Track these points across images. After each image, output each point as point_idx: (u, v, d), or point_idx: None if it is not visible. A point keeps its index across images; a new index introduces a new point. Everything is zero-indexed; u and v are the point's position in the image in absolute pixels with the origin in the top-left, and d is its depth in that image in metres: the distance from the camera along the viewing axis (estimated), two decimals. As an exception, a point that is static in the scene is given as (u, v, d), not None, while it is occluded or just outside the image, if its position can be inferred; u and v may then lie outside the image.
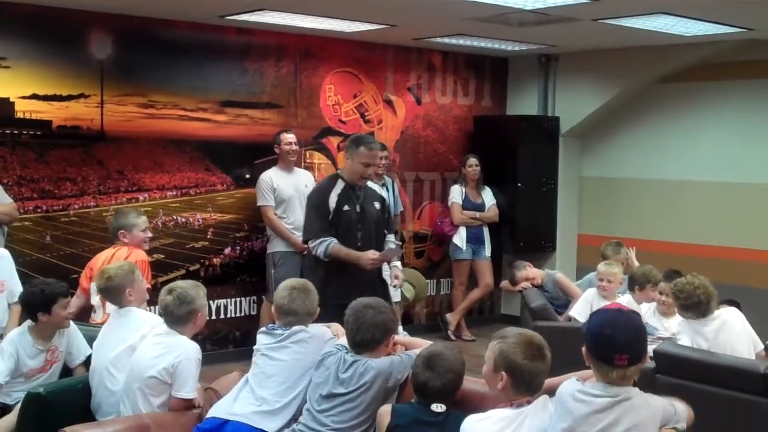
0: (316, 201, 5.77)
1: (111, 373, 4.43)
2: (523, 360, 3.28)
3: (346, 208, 5.68)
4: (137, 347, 4.38)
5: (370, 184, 5.93)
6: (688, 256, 8.42)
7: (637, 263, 7.10)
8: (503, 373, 3.30)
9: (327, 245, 5.59)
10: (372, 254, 5.60)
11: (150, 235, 6.13)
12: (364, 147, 5.70)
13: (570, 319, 6.66)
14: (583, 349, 3.23)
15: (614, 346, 3.14)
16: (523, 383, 3.30)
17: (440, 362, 3.67)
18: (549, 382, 3.41)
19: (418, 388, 3.67)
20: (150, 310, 5.11)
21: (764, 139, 8.36)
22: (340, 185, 5.73)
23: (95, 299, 5.58)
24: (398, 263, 6.04)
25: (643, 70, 8.93)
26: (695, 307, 5.16)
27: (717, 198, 8.67)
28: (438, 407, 3.60)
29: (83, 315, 5.59)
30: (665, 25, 7.35)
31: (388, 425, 3.62)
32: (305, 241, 5.86)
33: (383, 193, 6.05)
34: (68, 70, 7.05)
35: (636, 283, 6.19)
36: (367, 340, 3.95)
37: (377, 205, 5.87)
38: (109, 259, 5.62)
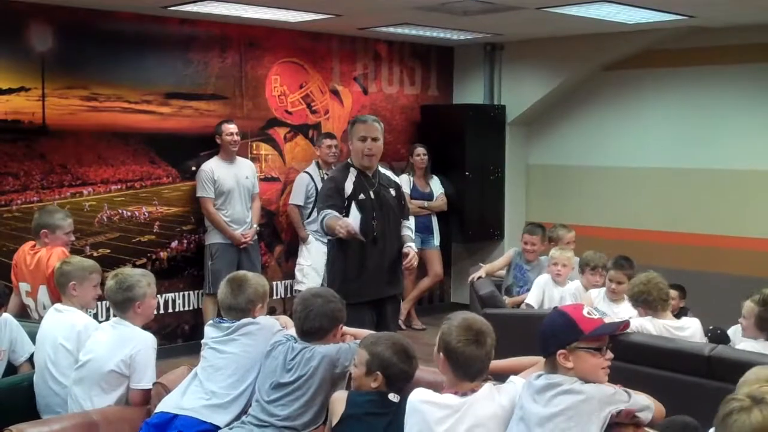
0: (330, 186, 5.53)
1: (52, 373, 4.39)
2: (456, 344, 3.30)
3: (361, 197, 5.43)
4: (74, 350, 4.34)
5: (383, 170, 5.73)
6: (634, 242, 8.54)
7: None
8: (441, 354, 3.34)
9: (324, 216, 5.34)
10: (345, 222, 5.25)
11: (73, 238, 5.86)
12: (359, 123, 5.60)
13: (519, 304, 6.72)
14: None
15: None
16: (459, 368, 3.31)
17: (410, 350, 3.71)
18: (494, 365, 3.44)
19: (398, 377, 3.64)
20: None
21: (705, 125, 8.49)
22: (353, 174, 5.51)
23: (26, 299, 5.49)
24: (412, 244, 5.72)
25: (587, 58, 9.01)
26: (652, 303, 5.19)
27: (661, 184, 8.79)
28: (394, 397, 3.61)
29: (26, 312, 5.48)
30: (608, 13, 7.42)
31: (342, 414, 3.60)
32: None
33: (396, 179, 5.85)
34: (8, 63, 6.93)
35: (588, 266, 6.24)
36: (315, 328, 3.94)
37: (392, 191, 5.67)
38: (31, 262, 5.48)
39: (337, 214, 5.31)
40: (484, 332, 3.35)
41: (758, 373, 3.06)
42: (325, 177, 5.98)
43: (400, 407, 3.55)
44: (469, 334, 3.33)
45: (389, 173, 5.81)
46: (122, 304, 4.27)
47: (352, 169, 5.53)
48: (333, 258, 5.55)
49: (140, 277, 4.36)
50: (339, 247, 5.46)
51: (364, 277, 5.40)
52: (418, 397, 3.37)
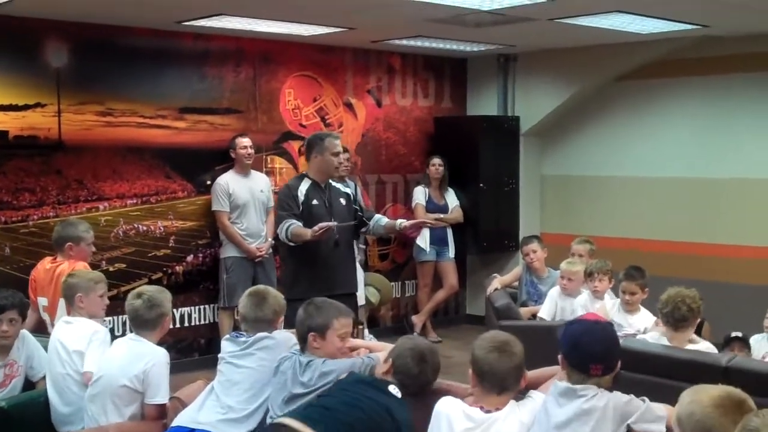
0: (285, 194, 5.91)
1: (68, 385, 4.40)
2: (479, 352, 3.38)
3: (315, 202, 5.82)
4: (85, 353, 4.37)
5: (333, 183, 6.07)
6: (649, 252, 8.50)
7: None
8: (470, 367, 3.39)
9: (288, 226, 5.66)
10: (317, 226, 5.61)
11: (94, 249, 5.96)
12: (330, 138, 5.92)
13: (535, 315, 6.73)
14: (560, 356, 3.30)
15: (590, 356, 3.22)
16: (483, 377, 3.35)
17: (428, 356, 3.78)
18: (530, 375, 3.47)
19: (403, 372, 3.73)
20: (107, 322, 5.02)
21: (720, 134, 8.45)
22: (306, 183, 5.88)
23: (43, 314, 5.51)
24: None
25: (601, 68, 9.00)
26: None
27: (676, 194, 8.75)
28: (395, 390, 3.64)
29: (43, 327, 5.49)
30: (621, 24, 7.41)
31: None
32: (276, 234, 5.96)
33: (347, 189, 6.16)
34: (24, 79, 6.98)
35: (585, 274, 6.26)
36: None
37: (342, 201, 6.00)
38: (52, 275, 5.49)
39: (299, 223, 5.67)
40: (509, 343, 3.39)
41: (695, 395, 2.86)
42: (339, 184, 6.21)
43: (401, 404, 3.57)
44: (493, 343, 3.38)
45: (339, 185, 6.19)
46: (153, 321, 4.29)
47: (306, 179, 5.91)
48: (286, 260, 5.98)
49: (163, 294, 4.42)
50: (295, 249, 5.75)
51: (314, 277, 5.71)
52: (445, 404, 3.40)
